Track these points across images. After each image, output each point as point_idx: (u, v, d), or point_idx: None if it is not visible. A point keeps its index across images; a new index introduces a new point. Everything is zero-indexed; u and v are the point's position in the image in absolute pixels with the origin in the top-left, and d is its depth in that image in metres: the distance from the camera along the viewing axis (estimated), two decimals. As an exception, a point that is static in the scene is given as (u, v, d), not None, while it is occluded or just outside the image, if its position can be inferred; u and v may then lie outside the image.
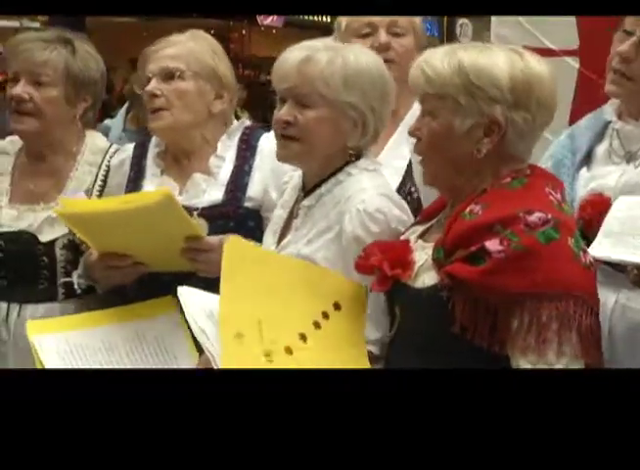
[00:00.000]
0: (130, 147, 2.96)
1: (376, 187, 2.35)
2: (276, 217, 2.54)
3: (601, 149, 2.54)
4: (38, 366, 2.46)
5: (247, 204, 2.75)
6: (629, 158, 2.45)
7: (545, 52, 3.63)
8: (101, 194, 2.95)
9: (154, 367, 2.51)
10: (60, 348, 2.50)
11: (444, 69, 2.07)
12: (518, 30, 3.74)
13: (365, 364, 2.14)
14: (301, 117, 2.34)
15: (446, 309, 2.01)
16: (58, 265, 2.91)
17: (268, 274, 2.14)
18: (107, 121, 6.20)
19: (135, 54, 3.00)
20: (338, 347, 2.13)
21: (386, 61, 2.49)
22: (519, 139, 2.08)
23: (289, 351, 2.08)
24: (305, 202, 2.42)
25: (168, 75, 2.77)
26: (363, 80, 2.34)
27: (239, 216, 2.74)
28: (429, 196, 2.43)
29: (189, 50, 2.79)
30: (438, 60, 2.08)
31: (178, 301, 2.43)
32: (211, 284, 2.24)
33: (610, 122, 2.55)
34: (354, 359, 2.13)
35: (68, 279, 2.87)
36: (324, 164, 2.40)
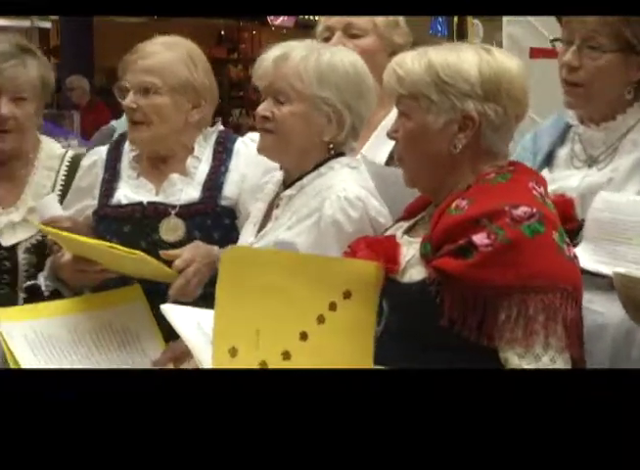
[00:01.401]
0: (102, 150, 2.97)
1: (357, 180, 2.42)
2: (255, 210, 2.60)
3: (563, 152, 2.57)
4: (7, 355, 2.47)
5: (223, 202, 2.78)
6: (591, 162, 2.49)
7: (556, 53, 3.66)
8: (62, 198, 2.95)
9: (125, 359, 2.55)
10: (28, 337, 2.52)
11: (415, 68, 2.12)
12: (528, 31, 3.76)
13: (369, 355, 2.09)
14: (278, 113, 2.44)
15: (434, 304, 2.03)
16: (20, 269, 2.91)
17: (272, 277, 2.08)
18: (112, 122, 6.18)
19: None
20: (342, 339, 2.09)
21: None
22: (493, 132, 2.12)
23: (287, 355, 2.05)
24: (287, 192, 2.48)
25: (144, 90, 2.77)
26: (337, 77, 2.42)
27: (215, 214, 2.77)
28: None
29: (164, 63, 2.78)
30: (409, 61, 2.14)
31: (143, 289, 2.57)
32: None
33: (571, 126, 2.58)
34: (358, 351, 2.09)
35: (33, 282, 2.87)
36: (301, 158, 2.47)
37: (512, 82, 2.12)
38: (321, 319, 2.06)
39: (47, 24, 14.64)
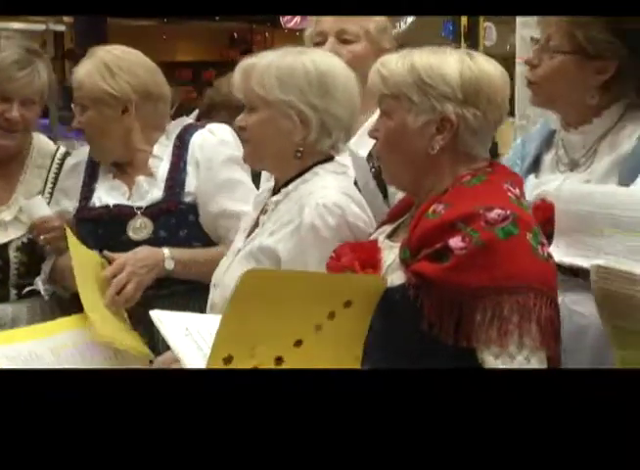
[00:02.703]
0: (84, 151, 3.02)
1: (339, 187, 2.43)
2: (247, 218, 2.64)
3: (548, 157, 2.60)
4: None
5: (186, 199, 2.86)
6: (573, 166, 2.51)
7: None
8: (51, 196, 3.02)
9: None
10: (9, 357, 2.47)
11: (398, 69, 2.15)
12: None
13: (357, 360, 2.12)
14: (249, 122, 2.47)
15: (414, 308, 2.06)
16: (11, 267, 2.99)
17: (281, 296, 2.05)
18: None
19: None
20: (335, 345, 2.09)
21: None
22: (471, 136, 2.15)
23: (279, 362, 2.05)
24: (273, 198, 2.51)
25: (81, 108, 2.87)
26: (298, 78, 2.41)
27: (179, 211, 2.85)
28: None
29: (83, 79, 2.86)
30: (393, 62, 2.17)
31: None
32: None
33: (556, 131, 2.61)
34: (347, 356, 2.11)
35: (31, 287, 2.96)
36: (279, 163, 2.50)
37: (491, 87, 2.15)
38: (318, 327, 2.07)
39: (61, 28, 14.72)
